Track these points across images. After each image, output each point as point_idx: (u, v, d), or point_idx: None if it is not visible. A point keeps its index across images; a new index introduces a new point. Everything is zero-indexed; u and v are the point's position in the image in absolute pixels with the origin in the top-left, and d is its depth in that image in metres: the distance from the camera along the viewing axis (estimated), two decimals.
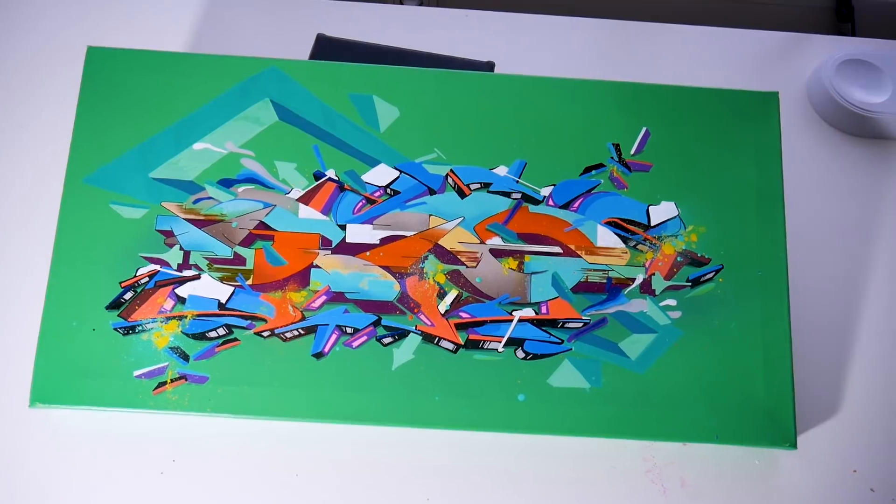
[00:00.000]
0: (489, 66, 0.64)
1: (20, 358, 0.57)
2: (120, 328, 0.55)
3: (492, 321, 0.56)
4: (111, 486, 0.56)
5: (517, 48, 0.69)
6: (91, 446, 0.56)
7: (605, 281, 0.57)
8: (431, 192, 0.58)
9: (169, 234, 0.56)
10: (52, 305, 0.55)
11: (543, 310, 0.56)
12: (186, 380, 0.54)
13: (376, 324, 0.55)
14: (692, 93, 0.60)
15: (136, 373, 0.54)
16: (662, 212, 0.58)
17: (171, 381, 0.54)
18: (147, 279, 0.56)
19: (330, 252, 0.56)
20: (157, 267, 0.56)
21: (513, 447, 0.56)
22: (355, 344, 0.55)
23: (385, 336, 0.55)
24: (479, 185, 0.58)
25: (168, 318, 0.55)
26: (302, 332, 0.55)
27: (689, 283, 0.57)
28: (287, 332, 0.55)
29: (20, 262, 0.61)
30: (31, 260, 0.60)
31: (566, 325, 0.56)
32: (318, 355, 0.55)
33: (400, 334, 0.55)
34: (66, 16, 0.69)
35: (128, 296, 0.55)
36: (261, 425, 0.56)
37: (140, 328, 0.55)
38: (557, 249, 0.57)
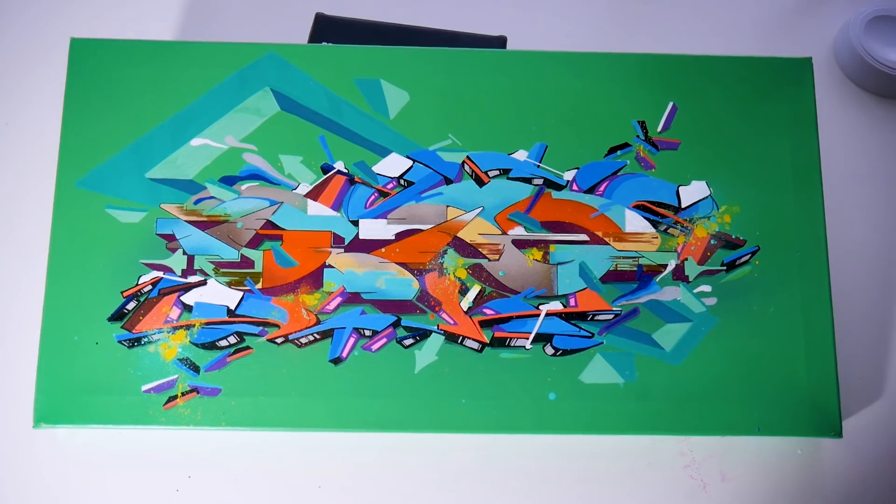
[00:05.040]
0: (501, 41, 0.60)
1: (22, 376, 0.54)
2: (124, 341, 0.52)
3: (518, 317, 0.53)
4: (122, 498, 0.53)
5: (529, 18, 0.65)
6: (101, 465, 0.54)
7: (635, 269, 0.54)
8: (447, 181, 0.55)
9: (170, 237, 0.53)
10: (50, 320, 0.52)
11: (572, 302, 0.53)
12: (198, 393, 0.51)
13: (396, 325, 0.53)
14: (719, 62, 0.57)
15: (145, 387, 0.51)
16: (693, 192, 0.55)
17: (182, 394, 0.52)
18: (150, 287, 0.53)
19: (343, 250, 0.54)
20: (160, 274, 0.53)
21: (545, 448, 0.54)
22: (375, 347, 0.52)
23: (406, 337, 0.53)
24: (497, 172, 0.55)
25: (175, 328, 0.52)
26: (317, 336, 0.52)
27: (724, 268, 0.54)
28: (302, 337, 0.52)
29: (14, 274, 0.58)
30: (26, 271, 0.57)
31: (596, 318, 0.53)
32: (336, 361, 0.52)
33: (421, 335, 0.53)
34: (46, 4, 0.65)
35: (131, 306, 0.53)
36: (279, 437, 0.54)
37: (146, 340, 0.52)
38: (584, 237, 0.54)
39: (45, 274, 0.53)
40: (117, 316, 0.52)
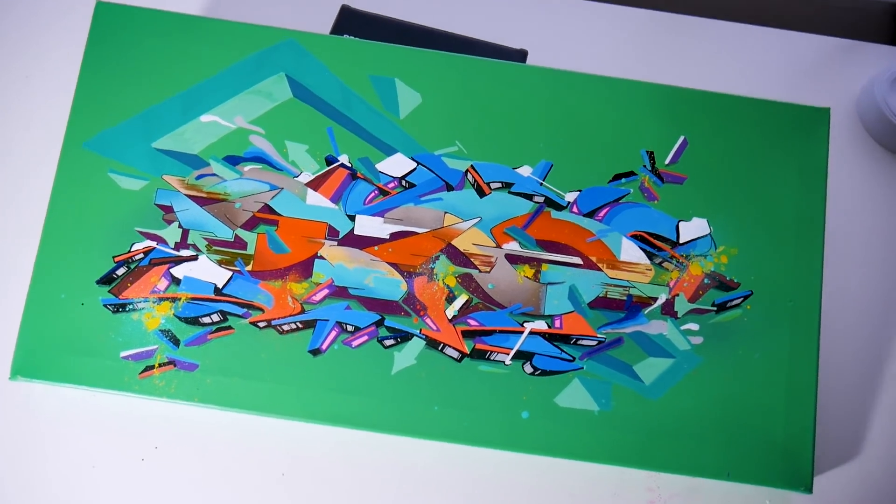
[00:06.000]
0: (521, 55, 0.60)
1: (4, 328, 0.55)
2: (110, 305, 0.52)
3: (501, 331, 0.53)
4: (89, 468, 0.54)
5: (553, 35, 0.65)
6: (72, 425, 0.54)
7: (625, 298, 0.53)
8: (449, 187, 0.55)
9: (168, 209, 0.54)
10: (40, 274, 0.52)
11: (557, 324, 0.53)
12: (175, 366, 0.52)
13: (379, 324, 0.52)
14: (736, 102, 0.56)
15: (124, 354, 0.52)
16: (693, 229, 0.55)
17: (159, 365, 0.52)
18: (142, 256, 0.53)
19: (336, 243, 0.54)
20: (154, 244, 0.53)
21: (511, 466, 0.54)
22: (355, 343, 0.52)
23: (387, 337, 0.53)
24: (499, 185, 0.55)
25: (161, 299, 0.53)
26: (300, 325, 0.52)
27: (715, 308, 0.54)
28: (284, 324, 0.52)
29: (11, 226, 0.58)
30: (24, 224, 0.58)
31: (580, 342, 0.53)
32: (315, 352, 0.52)
33: (403, 337, 0.52)
34: None
35: (120, 271, 0.53)
36: (249, 420, 0.54)
37: (131, 307, 0.52)
38: (578, 260, 0.54)
39: (41, 229, 0.54)
40: (106, 280, 0.53)
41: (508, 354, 0.52)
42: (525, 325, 0.53)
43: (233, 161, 0.54)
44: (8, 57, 0.62)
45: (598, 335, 0.53)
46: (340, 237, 0.54)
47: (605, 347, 0.53)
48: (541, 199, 0.55)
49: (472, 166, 0.55)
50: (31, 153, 0.59)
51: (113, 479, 0.53)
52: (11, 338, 0.53)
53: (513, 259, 0.54)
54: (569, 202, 0.55)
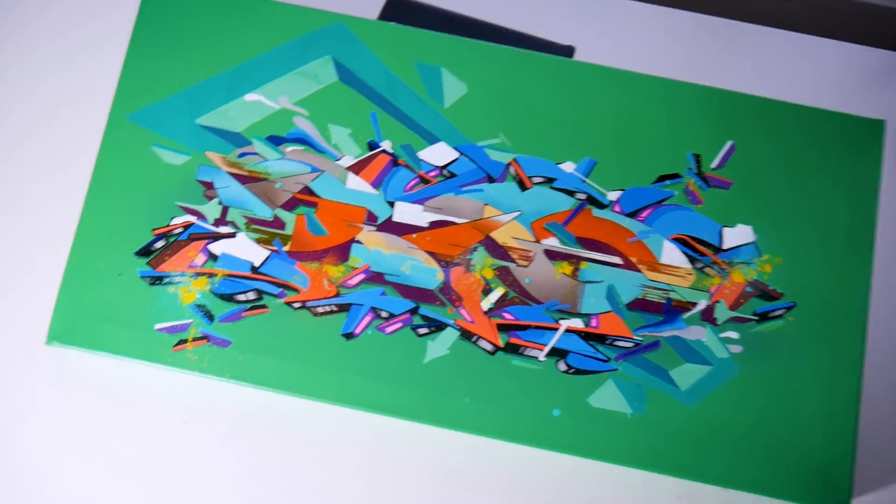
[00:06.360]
0: (568, 51, 0.59)
1: (44, 295, 0.55)
2: (147, 277, 0.53)
3: (536, 327, 0.52)
4: (115, 436, 0.54)
5: (601, 33, 0.64)
6: (102, 393, 0.55)
7: (664, 301, 0.52)
8: (490, 179, 0.54)
9: (209, 185, 0.54)
10: (80, 243, 0.53)
11: (593, 323, 0.52)
12: (208, 341, 0.52)
13: (413, 311, 0.52)
14: (788, 109, 0.55)
15: (158, 326, 0.52)
16: (737, 235, 0.54)
17: (193, 339, 0.52)
18: (181, 230, 0.53)
19: (375, 228, 0.53)
20: (193, 219, 0.53)
21: (538, 463, 0.53)
22: (389, 330, 0.52)
23: (421, 326, 0.52)
24: (542, 179, 0.54)
25: (197, 274, 0.53)
26: (334, 308, 0.52)
27: (756, 318, 0.52)
28: (319, 306, 0.52)
29: (55, 193, 0.58)
30: (67, 194, 0.58)
31: (615, 343, 0.52)
32: (349, 336, 0.52)
33: (437, 326, 0.52)
34: None
35: (159, 244, 0.53)
36: (278, 399, 0.53)
37: (167, 280, 0.53)
38: (617, 260, 0.53)
39: (83, 198, 0.54)
40: (144, 252, 0.53)
41: (543, 351, 0.52)
42: (561, 322, 0.52)
43: (275, 141, 0.55)
44: (59, 27, 0.62)
45: (635, 337, 0.52)
46: (379, 223, 0.54)
47: (642, 350, 0.52)
48: (583, 197, 0.54)
49: (514, 159, 0.54)
50: (78, 123, 0.59)
51: (139, 450, 0.53)
52: (49, 304, 0.53)
53: (552, 255, 0.53)
54: (611, 201, 0.54)
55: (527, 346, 0.52)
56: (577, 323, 0.52)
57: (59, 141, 0.60)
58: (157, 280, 0.53)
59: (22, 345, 0.55)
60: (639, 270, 0.53)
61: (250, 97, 0.55)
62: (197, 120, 0.55)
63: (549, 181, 0.54)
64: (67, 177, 0.58)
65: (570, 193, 0.54)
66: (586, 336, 0.52)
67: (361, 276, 0.53)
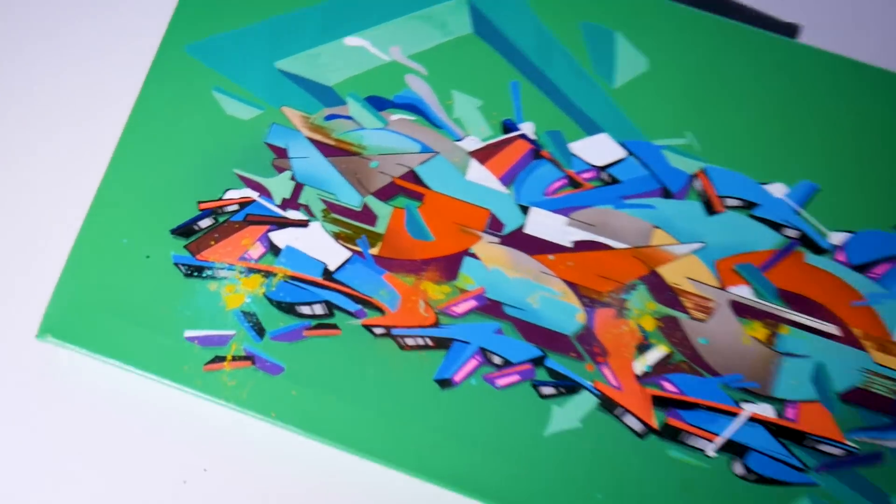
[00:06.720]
0: (791, 30, 0.52)
1: (45, 273, 0.49)
2: (183, 265, 0.47)
3: (708, 407, 0.45)
4: (114, 481, 0.48)
5: (837, 9, 0.55)
6: (98, 416, 0.49)
7: (894, 397, 0.45)
8: (667, 193, 0.48)
9: (281, 152, 0.48)
10: (99, 211, 0.47)
11: (790, 414, 0.45)
12: (253, 363, 0.45)
13: (538, 362, 0.46)
14: None
15: (189, 333, 0.46)
16: None
17: (233, 358, 0.46)
18: (236, 207, 0.47)
19: (498, 240, 0.47)
20: (254, 195, 0.48)
21: None
22: (501, 382, 0.45)
23: (546, 383, 0.45)
24: (738, 203, 0.47)
25: (250, 271, 0.47)
26: (430, 342, 0.46)
27: None
28: (409, 336, 0.46)
29: (81, 136, 0.53)
30: (94, 138, 0.52)
31: (818, 447, 0.44)
32: (445, 383, 0.45)
33: (568, 387, 0.45)
34: None
35: (204, 223, 0.47)
36: (337, 458, 0.47)
37: (209, 273, 0.46)
38: (834, 330, 0.46)
39: (112, 148, 0.48)
40: (183, 231, 0.47)
41: (714, 442, 0.45)
42: (743, 406, 0.45)
43: (378, 104, 0.49)
44: None
45: (848, 442, 0.45)
46: (504, 233, 0.47)
47: (855, 462, 0.44)
48: (794, 234, 0.47)
49: (703, 170, 0.48)
50: (121, 49, 0.54)
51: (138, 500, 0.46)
52: (49, 286, 0.47)
53: (741, 309, 0.46)
54: (833, 245, 0.47)
55: (691, 433, 0.45)
56: (766, 410, 0.45)
57: (96, 70, 0.54)
58: (195, 271, 0.47)
59: (5, 334, 0.49)
60: (863, 348, 0.46)
61: (351, 41, 0.49)
62: (276, 63, 0.49)
63: (747, 206, 0.47)
64: (97, 118, 0.53)
65: (777, 227, 0.47)
66: (777, 431, 0.45)
67: (472, 304, 0.46)
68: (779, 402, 0.46)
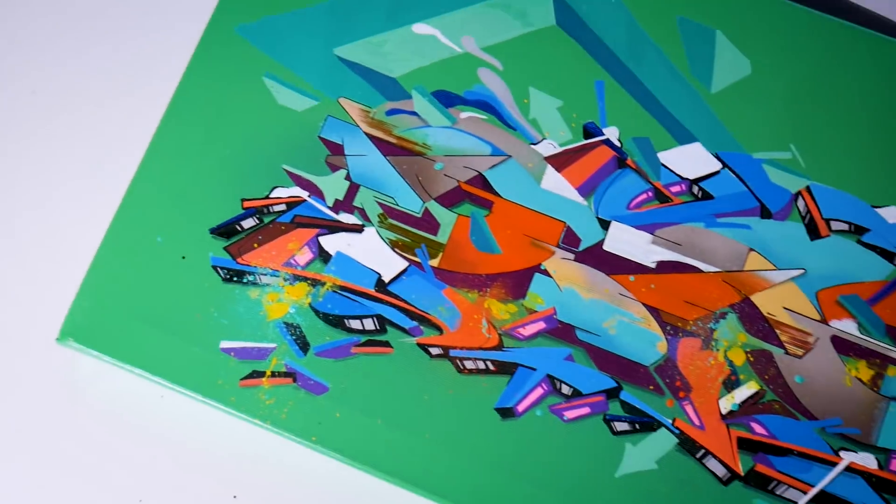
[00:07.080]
0: None
1: (71, 270, 0.51)
2: (222, 268, 0.49)
3: (801, 454, 0.47)
4: None
5: None
6: (119, 431, 0.51)
7: None
8: (766, 213, 0.50)
9: (337, 148, 0.51)
10: (131, 205, 0.50)
11: (894, 466, 0.47)
12: (295, 380, 0.48)
13: (612, 394, 0.48)
14: None
15: (224, 344, 0.49)
16: None
17: (273, 374, 0.48)
18: (283, 207, 0.50)
19: (573, 256, 0.49)
20: (304, 194, 0.50)
21: None
22: (570, 415, 0.48)
23: (620, 419, 0.48)
24: (846, 227, 0.50)
25: (297, 278, 0.49)
26: (492, 367, 0.48)
27: None
28: (469, 359, 0.48)
29: (116, 120, 0.56)
30: (131, 123, 0.55)
31: None
32: (506, 412, 0.48)
33: (644, 424, 0.48)
34: None
35: (247, 223, 0.50)
36: (384, 490, 0.49)
37: (251, 278, 0.49)
38: None
39: (150, 136, 0.51)
40: (224, 231, 0.50)
41: (806, 493, 0.47)
42: (842, 454, 0.47)
43: (446, 100, 0.51)
44: None
45: None
46: (580, 249, 0.50)
47: None
48: None
49: (807, 188, 0.50)
50: (163, 28, 0.57)
51: None
52: (73, 286, 0.50)
53: (843, 346, 0.48)
54: None
55: (781, 482, 0.47)
56: (867, 460, 0.47)
57: (135, 50, 0.57)
58: (235, 275, 0.49)
59: (24, 337, 0.52)
60: None
61: (420, 28, 0.52)
62: (335, 50, 0.52)
63: (856, 231, 0.50)
64: (132, 103, 0.56)
65: (888, 256, 0.49)
66: (879, 484, 0.47)
67: (541, 326, 0.49)
68: (882, 452, 0.47)
